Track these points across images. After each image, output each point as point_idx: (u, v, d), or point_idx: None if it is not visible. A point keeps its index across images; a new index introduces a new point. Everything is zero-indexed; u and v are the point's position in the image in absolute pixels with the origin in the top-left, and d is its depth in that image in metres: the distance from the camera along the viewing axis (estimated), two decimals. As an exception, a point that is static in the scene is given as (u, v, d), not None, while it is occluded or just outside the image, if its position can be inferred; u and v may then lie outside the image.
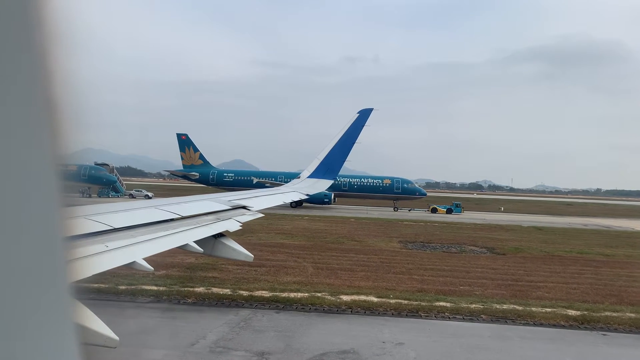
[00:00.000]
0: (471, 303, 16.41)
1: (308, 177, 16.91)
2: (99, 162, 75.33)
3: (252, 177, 65.14)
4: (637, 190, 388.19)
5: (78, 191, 69.44)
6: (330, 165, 17.05)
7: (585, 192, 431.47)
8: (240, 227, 6.98)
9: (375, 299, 16.40)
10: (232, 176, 67.83)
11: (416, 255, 27.53)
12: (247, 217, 7.86)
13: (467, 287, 19.19)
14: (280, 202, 10.94)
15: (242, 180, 65.29)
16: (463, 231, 42.62)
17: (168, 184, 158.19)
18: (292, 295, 16.52)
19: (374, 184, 66.16)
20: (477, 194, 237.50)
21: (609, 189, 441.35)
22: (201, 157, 71.15)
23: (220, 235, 6.63)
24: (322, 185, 16.23)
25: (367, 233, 37.34)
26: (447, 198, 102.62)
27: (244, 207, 8.30)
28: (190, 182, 72.75)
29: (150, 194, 69.39)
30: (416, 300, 16.45)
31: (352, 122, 18.01)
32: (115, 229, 5.01)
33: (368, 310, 15.16)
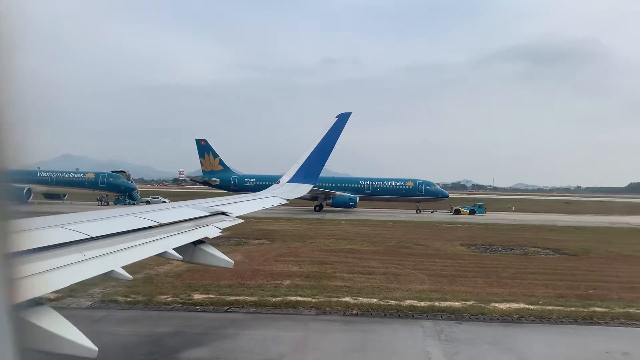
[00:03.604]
0: (625, 307, 16.33)
1: (288, 181, 16.70)
2: (115, 169, 74.08)
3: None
4: (616, 187, 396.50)
5: (96, 199, 68.19)
6: (310, 170, 16.90)
7: (566, 190, 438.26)
8: (220, 234, 6.89)
9: (529, 306, 16.23)
10: (253, 181, 67.09)
11: (501, 259, 27.55)
12: (226, 223, 7.84)
13: (595, 290, 19.12)
14: (260, 208, 10.72)
15: (265, 186, 64.46)
16: (509, 232, 42.89)
17: (167, 190, 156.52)
18: (444, 304, 16.26)
19: (397, 187, 66.21)
20: (467, 193, 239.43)
21: (588, 186, 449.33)
22: (221, 162, 70.18)
23: (200, 242, 6.54)
24: (302, 190, 16.00)
25: (421, 237, 37.19)
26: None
27: (223, 213, 8.26)
28: (210, 187, 71.88)
29: (167, 201, 68.29)
30: (569, 306, 16.34)
31: (330, 126, 17.94)
32: (92, 237, 5.00)
33: (542, 318, 14.96)
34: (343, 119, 18.59)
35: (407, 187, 65.85)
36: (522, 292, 18.47)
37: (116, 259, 4.84)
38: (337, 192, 63.83)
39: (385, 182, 67.30)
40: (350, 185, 66.77)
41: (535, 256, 29.30)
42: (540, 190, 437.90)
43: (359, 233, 38.79)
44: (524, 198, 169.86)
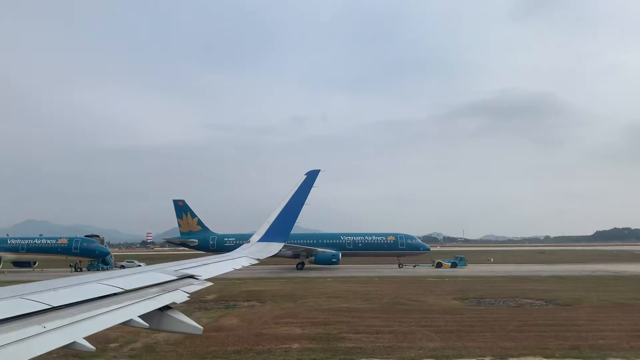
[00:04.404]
0: (641, 357, 16.30)
1: (258, 240, 16.55)
2: (88, 234, 71.98)
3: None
4: (584, 236, 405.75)
5: (69, 265, 65.70)
6: (280, 228, 16.93)
7: (535, 240, 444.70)
8: (188, 298, 6.65)
9: (548, 360, 16.05)
10: (233, 240, 65.77)
11: (500, 312, 27.33)
12: (195, 286, 7.61)
13: (604, 340, 19.06)
14: (230, 269, 10.60)
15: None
16: (496, 284, 42.83)
17: (138, 253, 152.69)
18: (463, 361, 15.93)
19: (379, 241, 66.11)
20: (440, 246, 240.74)
21: (556, 235, 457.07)
22: (199, 222, 69.03)
23: (167, 307, 6.37)
24: (273, 249, 15.84)
25: (412, 292, 36.83)
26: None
27: (191, 277, 8.08)
28: (189, 249, 70.19)
29: (142, 265, 66.32)
30: (587, 358, 16.26)
31: (300, 183, 18.19)
32: (54, 307, 4.79)
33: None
34: (312, 176, 18.72)
35: (389, 241, 65.84)
36: (534, 345, 18.27)
37: (78, 330, 4.54)
38: (319, 249, 63.30)
39: (366, 237, 67.18)
40: (332, 241, 66.40)
41: (531, 307, 29.23)
42: (510, 241, 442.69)
43: (349, 291, 38.16)
44: (498, 249, 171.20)
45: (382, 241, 66.10)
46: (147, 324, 5.57)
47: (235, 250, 15.74)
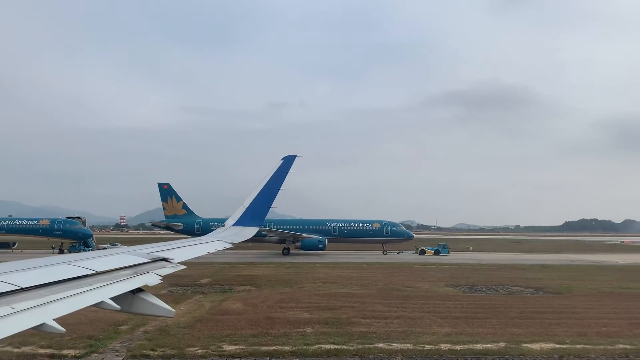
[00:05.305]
0: (647, 344, 16.91)
1: (233, 225, 16.49)
2: (69, 215, 70.61)
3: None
4: (553, 226, 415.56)
5: (51, 247, 64.49)
6: (255, 213, 16.89)
7: (506, 229, 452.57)
8: (161, 281, 6.75)
9: (560, 346, 16.51)
10: (218, 225, 65.27)
11: (497, 299, 27.93)
12: (168, 269, 7.65)
13: (606, 327, 19.69)
14: (204, 253, 10.75)
15: (232, 229, 63.27)
16: (483, 272, 43.67)
17: (117, 236, 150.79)
18: (478, 346, 16.30)
19: (364, 228, 66.64)
20: (416, 233, 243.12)
21: (526, 225, 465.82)
22: (185, 206, 68.32)
23: (139, 290, 6.41)
24: (247, 233, 15.83)
25: (404, 279, 37.24)
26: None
27: (164, 260, 8.16)
28: (173, 232, 69.47)
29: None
30: (597, 344, 16.76)
31: (276, 168, 18.09)
32: (23, 288, 4.77)
33: (582, 357, 15.25)
34: (289, 161, 18.54)
35: (374, 228, 66.41)
36: (541, 331, 18.76)
37: (48, 311, 4.47)
38: (305, 235, 63.51)
39: (352, 223, 67.63)
40: (318, 227, 66.65)
41: (524, 295, 29.93)
42: (482, 230, 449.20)
43: (341, 276, 38.39)
44: (473, 238, 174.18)
45: (368, 228, 66.64)
46: (119, 307, 5.50)
47: (209, 234, 15.51)
